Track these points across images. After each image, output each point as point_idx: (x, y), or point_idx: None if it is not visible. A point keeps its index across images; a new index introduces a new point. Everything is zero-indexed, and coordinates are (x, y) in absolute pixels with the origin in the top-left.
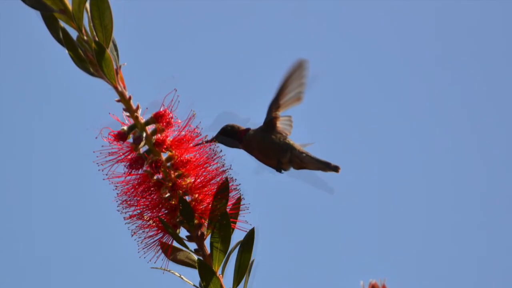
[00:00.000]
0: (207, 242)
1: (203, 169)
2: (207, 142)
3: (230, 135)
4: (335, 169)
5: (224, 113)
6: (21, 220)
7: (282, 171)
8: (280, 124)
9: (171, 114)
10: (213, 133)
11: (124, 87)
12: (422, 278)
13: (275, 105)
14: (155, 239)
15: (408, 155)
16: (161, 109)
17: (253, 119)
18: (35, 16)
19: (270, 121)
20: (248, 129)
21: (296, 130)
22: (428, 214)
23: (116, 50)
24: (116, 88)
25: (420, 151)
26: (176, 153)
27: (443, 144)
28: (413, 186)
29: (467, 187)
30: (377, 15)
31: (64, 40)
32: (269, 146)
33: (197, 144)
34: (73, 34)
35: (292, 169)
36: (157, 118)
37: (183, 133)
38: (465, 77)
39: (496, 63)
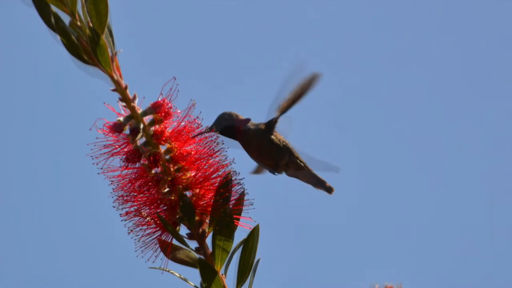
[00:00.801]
0: (208, 240)
1: (204, 163)
2: (205, 131)
3: (228, 125)
4: (329, 190)
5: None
6: (17, 217)
7: (276, 173)
8: (280, 125)
9: (169, 104)
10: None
11: (120, 76)
12: (427, 280)
13: (277, 107)
14: (153, 237)
15: (408, 155)
16: (159, 99)
17: (254, 120)
18: (25, 0)
19: (271, 121)
20: (247, 120)
21: (294, 131)
22: (433, 214)
23: (112, 36)
24: (111, 77)
25: (419, 151)
26: (176, 145)
27: (442, 145)
28: (416, 186)
29: (468, 188)
30: (375, 15)
31: (56, 26)
32: (269, 147)
33: (195, 135)
34: (66, 19)
35: (285, 174)
36: (155, 108)
37: (182, 123)
38: (462, 77)
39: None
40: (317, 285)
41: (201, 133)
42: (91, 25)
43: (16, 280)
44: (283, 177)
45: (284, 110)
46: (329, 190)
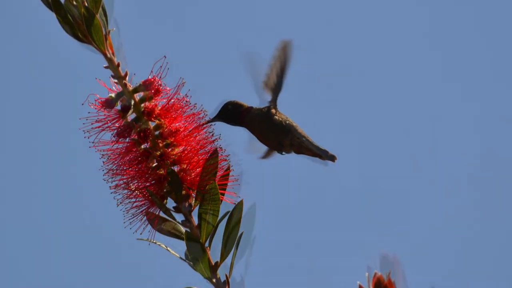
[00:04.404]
0: (194, 213)
1: (192, 139)
2: (208, 122)
3: (232, 114)
4: (332, 158)
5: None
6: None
7: (283, 153)
8: (275, 107)
9: (160, 82)
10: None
11: (113, 54)
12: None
13: (269, 89)
14: (141, 209)
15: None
16: (150, 77)
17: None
18: None
19: (270, 103)
20: (250, 108)
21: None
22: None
23: (105, 15)
24: (104, 55)
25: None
26: (165, 122)
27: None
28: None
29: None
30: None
31: (53, 4)
32: (270, 127)
33: (200, 125)
34: None
35: (293, 153)
36: (146, 85)
37: (172, 101)
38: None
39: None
40: (303, 260)
41: (207, 122)
42: (86, 4)
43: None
44: (277, 157)
45: (276, 88)
46: (332, 158)
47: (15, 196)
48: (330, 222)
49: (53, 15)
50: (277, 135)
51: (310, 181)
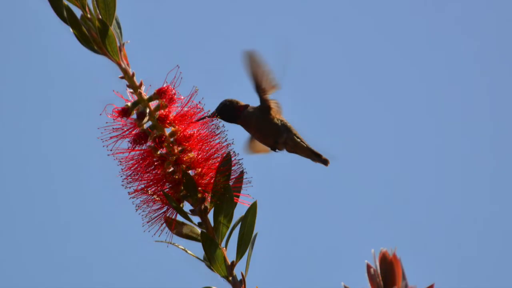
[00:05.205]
0: (210, 216)
1: (206, 144)
2: (208, 116)
3: (229, 111)
4: (325, 162)
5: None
6: (31, 197)
7: (277, 150)
8: (274, 106)
9: (173, 90)
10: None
11: (128, 64)
12: (429, 247)
13: (259, 90)
14: (159, 213)
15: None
16: (164, 85)
17: (254, 104)
18: None
19: (265, 101)
20: (246, 105)
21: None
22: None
23: (120, 27)
24: (119, 65)
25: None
26: (179, 128)
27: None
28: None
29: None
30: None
31: (68, 18)
32: (267, 126)
33: (199, 119)
34: (77, 12)
35: (285, 151)
36: (160, 94)
37: (185, 108)
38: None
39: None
40: (313, 257)
41: (203, 118)
42: (100, 17)
43: (20, 249)
44: (279, 157)
45: (275, 88)
46: (325, 162)
47: (20, 199)
48: (330, 221)
49: (65, 28)
50: (273, 134)
51: (310, 181)
